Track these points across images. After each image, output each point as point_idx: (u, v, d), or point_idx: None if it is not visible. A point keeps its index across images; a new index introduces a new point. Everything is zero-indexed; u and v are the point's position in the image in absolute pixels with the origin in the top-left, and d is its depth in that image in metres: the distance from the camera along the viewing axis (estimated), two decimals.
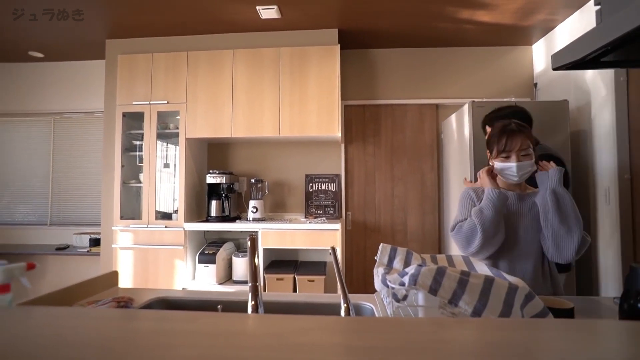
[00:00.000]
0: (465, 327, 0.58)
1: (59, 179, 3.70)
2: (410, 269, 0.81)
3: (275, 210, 3.14)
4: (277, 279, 2.57)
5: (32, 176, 3.73)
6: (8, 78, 3.75)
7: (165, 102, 2.84)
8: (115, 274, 1.38)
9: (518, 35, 3.06)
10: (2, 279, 0.71)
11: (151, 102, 2.86)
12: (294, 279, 2.56)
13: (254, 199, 2.88)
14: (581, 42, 0.90)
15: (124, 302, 1.11)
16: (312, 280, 2.53)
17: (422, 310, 0.79)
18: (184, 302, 1.20)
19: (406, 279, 0.78)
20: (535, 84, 3.20)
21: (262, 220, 2.78)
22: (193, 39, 3.09)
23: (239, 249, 2.96)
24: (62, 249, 3.36)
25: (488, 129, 1.79)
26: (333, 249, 0.90)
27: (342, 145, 3.20)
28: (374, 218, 3.31)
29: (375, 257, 1.08)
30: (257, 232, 2.61)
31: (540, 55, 3.15)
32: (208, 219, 2.85)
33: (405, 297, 0.83)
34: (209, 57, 2.83)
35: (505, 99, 2.60)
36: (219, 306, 0.90)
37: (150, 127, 2.85)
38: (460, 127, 2.68)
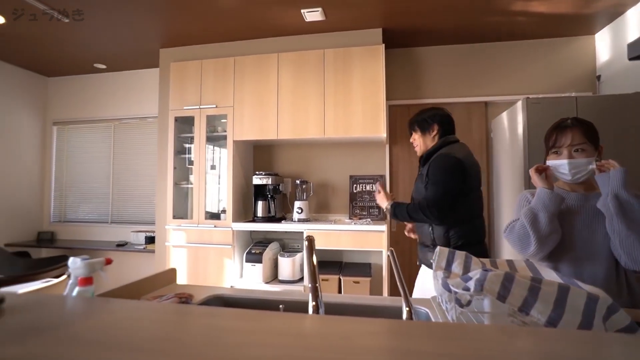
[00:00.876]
0: (544, 338, 0.54)
1: (118, 180, 3.98)
2: (475, 274, 0.77)
3: (320, 211, 3.15)
4: (322, 280, 2.58)
5: (95, 178, 4.05)
6: (76, 88, 4.11)
7: (214, 106, 2.96)
8: (173, 271, 1.45)
9: (578, 24, 2.84)
10: (87, 272, 0.78)
11: (201, 107, 2.99)
12: (339, 280, 2.56)
13: (298, 200, 2.91)
14: None
15: (185, 297, 1.16)
16: (358, 282, 2.51)
17: (488, 317, 0.75)
18: (238, 300, 1.24)
19: (471, 284, 0.75)
20: (598, 77, 2.95)
21: (307, 221, 2.81)
22: (240, 45, 3.20)
23: (284, 249, 3.01)
24: (121, 245, 3.61)
25: (412, 134, 1.79)
26: (391, 251, 0.88)
27: (387, 146, 3.15)
28: None
29: (431, 260, 1.05)
30: (302, 232, 2.65)
31: (604, 44, 2.91)
32: (254, 219, 2.93)
33: (469, 303, 0.79)
34: (255, 61, 2.91)
35: (564, 94, 2.43)
36: (281, 306, 0.92)
37: (200, 131, 2.98)
38: (512, 125, 2.54)
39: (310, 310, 0.73)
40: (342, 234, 2.57)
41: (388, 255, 0.87)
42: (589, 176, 1.20)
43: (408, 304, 0.76)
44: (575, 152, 1.18)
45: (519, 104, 2.40)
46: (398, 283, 0.79)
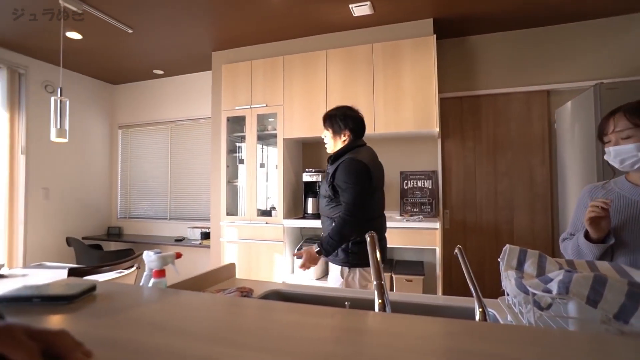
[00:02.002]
0: None
1: (175, 179, 4.22)
2: (557, 275, 0.71)
3: None
4: None
5: (154, 177, 4.33)
6: (138, 94, 4.41)
7: (264, 105, 3.03)
8: (232, 266, 1.50)
9: None
10: (160, 265, 0.82)
11: (251, 106, 3.07)
12: (391, 278, 2.51)
13: None
14: None
15: (246, 292, 1.20)
16: (410, 280, 2.45)
17: (575, 322, 0.68)
18: (297, 296, 1.25)
19: (553, 286, 0.69)
20: None
21: None
22: (288, 44, 3.24)
23: None
24: (179, 240, 3.82)
25: (325, 129, 1.85)
26: (460, 248, 0.84)
27: (439, 140, 3.03)
28: (475, 217, 3.07)
29: (499, 259, 0.98)
30: None
31: None
32: (305, 216, 2.96)
33: (549, 306, 0.73)
34: (303, 59, 2.93)
35: None
36: (347, 303, 0.91)
37: (250, 130, 3.06)
38: (582, 115, 2.33)
39: (377, 308, 0.71)
40: (393, 232, 2.50)
41: (456, 253, 0.83)
42: None
43: (481, 305, 0.72)
44: (622, 140, 1.09)
45: (591, 91, 2.19)
46: (469, 282, 0.75)
